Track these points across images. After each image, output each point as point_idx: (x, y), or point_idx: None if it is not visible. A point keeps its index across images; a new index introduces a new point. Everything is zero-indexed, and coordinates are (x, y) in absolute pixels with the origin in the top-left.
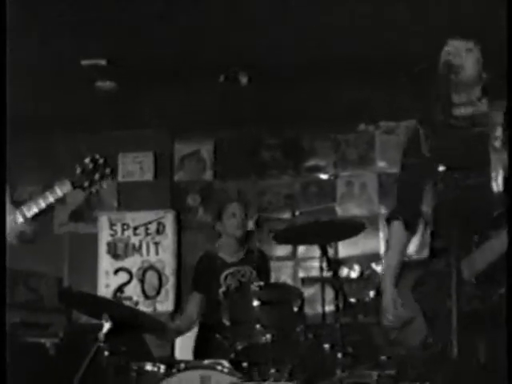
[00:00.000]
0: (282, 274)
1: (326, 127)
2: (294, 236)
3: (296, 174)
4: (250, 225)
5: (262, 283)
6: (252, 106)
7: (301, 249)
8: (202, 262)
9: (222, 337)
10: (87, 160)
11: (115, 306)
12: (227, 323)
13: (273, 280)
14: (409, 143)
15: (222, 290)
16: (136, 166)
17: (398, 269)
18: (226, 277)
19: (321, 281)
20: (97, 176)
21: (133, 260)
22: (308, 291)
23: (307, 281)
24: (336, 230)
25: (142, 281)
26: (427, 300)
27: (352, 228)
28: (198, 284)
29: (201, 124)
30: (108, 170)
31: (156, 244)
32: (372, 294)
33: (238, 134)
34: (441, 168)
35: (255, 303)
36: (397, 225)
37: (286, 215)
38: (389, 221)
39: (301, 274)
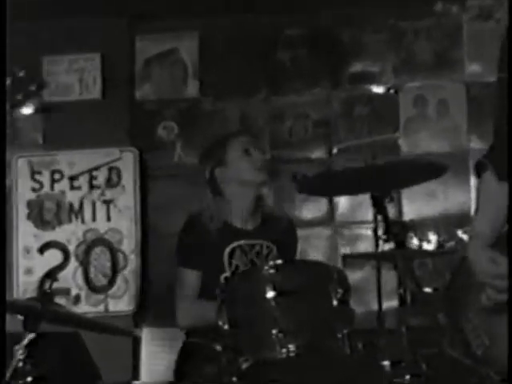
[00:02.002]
0: (312, 247)
1: (381, 9)
2: (330, 186)
3: (333, 85)
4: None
5: (279, 262)
6: None
7: (342, 207)
8: (189, 231)
9: (220, 348)
10: None
11: (39, 307)
12: (226, 327)
13: (296, 256)
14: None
15: (224, 275)
16: (72, 77)
17: (492, 240)
18: (231, 252)
19: (375, 258)
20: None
21: (70, 230)
22: (355, 275)
23: (353, 259)
24: (399, 177)
25: (84, 263)
26: None
27: (425, 172)
28: (186, 258)
29: (178, 6)
30: (33, 87)
31: (107, 203)
32: (448, 277)
33: (237, 22)
34: None
35: (270, 294)
36: (488, 177)
37: (318, 153)
38: (478, 170)
39: (343, 249)
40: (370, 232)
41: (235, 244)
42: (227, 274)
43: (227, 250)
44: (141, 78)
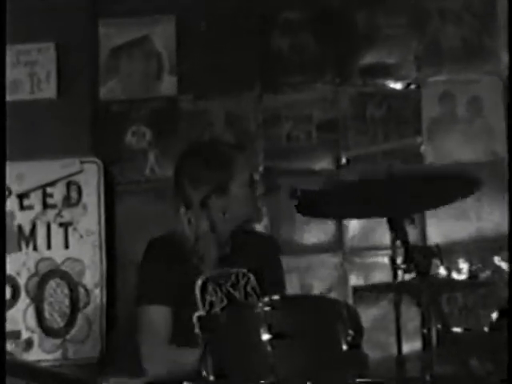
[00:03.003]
0: (316, 279)
1: None
2: (338, 205)
3: (341, 80)
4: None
5: (276, 297)
6: None
7: (353, 229)
8: (154, 252)
9: None
10: None
11: None
12: (212, 377)
13: (296, 290)
14: None
15: (197, 313)
16: (21, 72)
17: None
18: (203, 286)
19: (393, 291)
20: None
21: (19, 259)
22: (369, 313)
23: (366, 292)
24: (422, 192)
25: (37, 300)
26: None
27: (454, 187)
28: (152, 292)
29: None
30: None
31: (64, 226)
32: (495, 315)
33: (223, 2)
34: None
35: (264, 337)
36: None
37: (323, 164)
38: None
39: (354, 280)
40: (386, 260)
41: (206, 276)
42: (201, 312)
43: (198, 283)
44: (105, 73)
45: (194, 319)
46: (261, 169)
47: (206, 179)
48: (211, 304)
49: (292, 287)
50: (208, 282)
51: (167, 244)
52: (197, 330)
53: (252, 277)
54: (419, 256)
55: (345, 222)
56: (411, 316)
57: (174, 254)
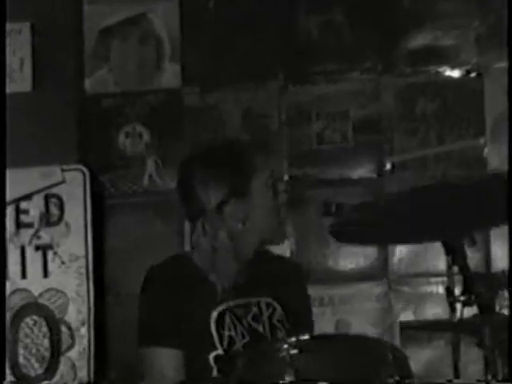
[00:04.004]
0: (355, 314)
1: None
2: (382, 222)
3: (384, 68)
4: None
5: (304, 337)
6: None
7: (400, 252)
8: (156, 282)
9: None
10: None
11: None
12: None
13: (330, 329)
14: None
15: (214, 353)
16: None
17: None
18: (219, 318)
19: (451, 329)
20: None
21: None
22: (420, 355)
23: (417, 330)
24: (485, 206)
25: (10, 341)
26: None
27: None
28: (156, 331)
29: None
30: None
31: (43, 250)
32: None
33: None
34: None
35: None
36: None
37: (363, 171)
38: None
39: (401, 315)
40: (441, 290)
41: (223, 307)
42: (219, 351)
43: (213, 315)
44: (93, 61)
45: (211, 360)
46: (285, 177)
47: (221, 179)
48: (230, 340)
49: (324, 324)
50: (225, 313)
51: (172, 271)
52: (214, 373)
53: (278, 307)
54: (482, 285)
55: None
56: (472, 360)
57: (181, 282)
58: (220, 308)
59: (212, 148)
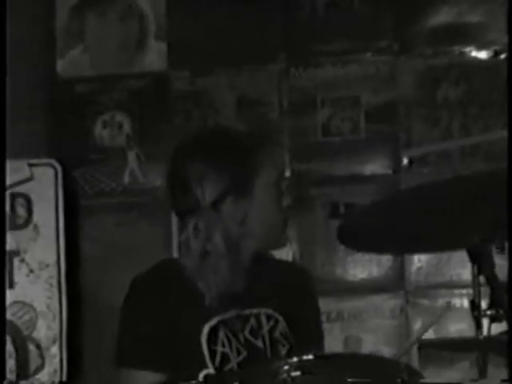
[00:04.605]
0: (368, 330)
1: None
2: (397, 227)
3: (400, 47)
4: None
5: (308, 357)
6: None
7: (419, 260)
8: (140, 293)
9: None
10: None
11: None
12: None
13: (339, 347)
14: None
15: (205, 372)
16: None
17: None
18: (211, 331)
19: (476, 348)
20: None
21: None
22: (442, 378)
23: (438, 349)
24: None
25: None
26: None
27: None
28: (139, 352)
29: None
30: None
31: (8, 257)
32: None
33: None
34: None
35: None
36: None
37: (376, 166)
38: None
39: (430, 333)
40: (466, 303)
41: (216, 319)
42: (209, 370)
43: (205, 330)
44: (65, 40)
45: (201, 379)
46: (287, 174)
47: (221, 173)
48: (223, 357)
49: (332, 342)
50: (219, 327)
51: (157, 280)
52: None
53: (281, 319)
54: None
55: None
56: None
57: (168, 293)
58: (212, 321)
59: (212, 134)
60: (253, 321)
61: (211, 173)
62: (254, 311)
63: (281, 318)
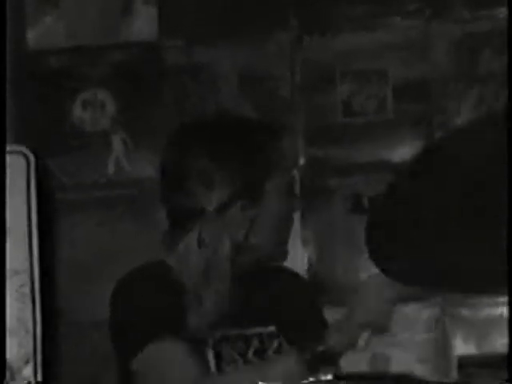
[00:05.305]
0: (395, 345)
1: None
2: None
3: (434, 10)
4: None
5: (327, 378)
6: None
7: None
8: (129, 295)
9: None
10: None
11: None
12: None
13: (363, 366)
14: None
15: None
16: None
17: None
18: (215, 351)
19: None
20: None
21: None
22: None
23: (479, 368)
24: None
25: None
26: None
27: None
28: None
29: None
30: None
31: None
32: None
33: None
34: None
35: None
36: None
37: (406, 152)
38: None
39: (458, 346)
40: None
41: (215, 336)
42: None
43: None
44: (36, 4)
45: None
46: (301, 161)
47: (230, 173)
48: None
49: (355, 360)
50: (222, 346)
51: (149, 279)
52: None
53: (283, 338)
54: None
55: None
56: None
57: (160, 296)
58: (211, 339)
59: (216, 121)
60: (255, 341)
61: (219, 171)
62: (257, 330)
63: (283, 340)
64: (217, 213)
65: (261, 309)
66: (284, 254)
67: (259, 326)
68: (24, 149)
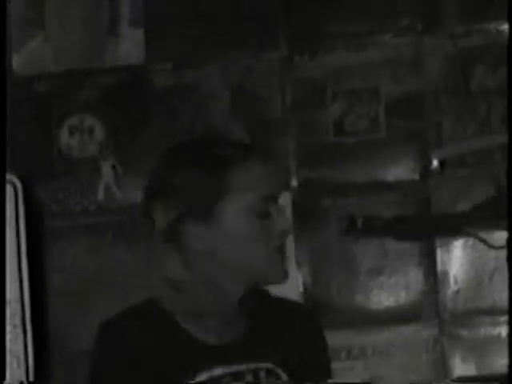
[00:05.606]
0: (394, 367)
1: None
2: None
3: (427, 26)
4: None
5: None
6: None
7: (455, 278)
8: (112, 342)
9: None
10: None
11: None
12: None
13: None
14: None
15: None
16: None
17: None
18: None
19: None
20: None
21: None
22: None
23: None
24: None
25: None
26: None
27: None
28: None
29: None
30: None
31: None
32: None
33: None
34: None
35: None
36: None
37: (400, 171)
38: None
39: (458, 368)
40: None
41: (207, 375)
42: None
43: None
44: (22, 29)
45: None
46: (293, 183)
47: (177, 189)
48: None
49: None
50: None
51: (136, 325)
52: None
53: (283, 375)
54: None
55: (442, 265)
56: None
57: (148, 340)
58: (201, 377)
59: (196, 142)
60: (249, 377)
61: (180, 190)
62: (250, 366)
63: (283, 374)
64: (167, 229)
65: (254, 341)
66: (279, 277)
67: (253, 360)
68: (11, 176)
